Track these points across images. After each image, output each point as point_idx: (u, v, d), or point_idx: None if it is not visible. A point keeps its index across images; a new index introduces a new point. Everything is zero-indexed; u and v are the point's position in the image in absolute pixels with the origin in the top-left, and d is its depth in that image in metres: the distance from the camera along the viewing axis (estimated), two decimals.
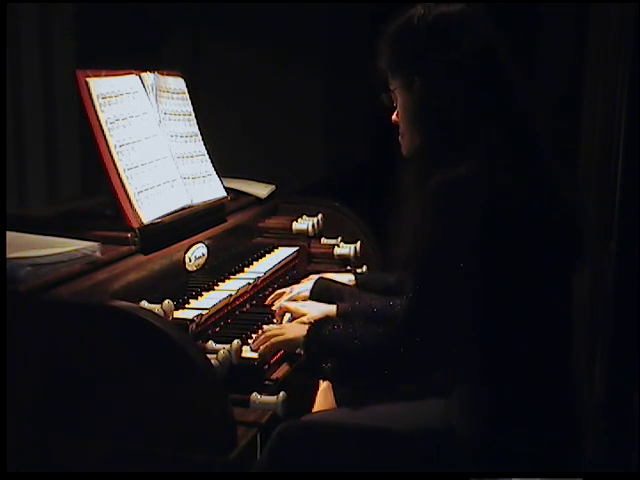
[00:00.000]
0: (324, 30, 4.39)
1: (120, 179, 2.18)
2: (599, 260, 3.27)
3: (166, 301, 2.00)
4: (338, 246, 2.89)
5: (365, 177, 4.47)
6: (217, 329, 2.19)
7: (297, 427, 1.99)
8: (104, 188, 2.26)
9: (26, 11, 3.45)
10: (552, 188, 1.82)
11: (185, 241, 2.35)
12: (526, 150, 1.81)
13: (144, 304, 1.99)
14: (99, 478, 1.73)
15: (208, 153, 2.66)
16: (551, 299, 1.80)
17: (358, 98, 4.09)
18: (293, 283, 2.51)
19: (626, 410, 3.20)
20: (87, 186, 3.65)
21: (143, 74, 2.44)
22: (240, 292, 2.35)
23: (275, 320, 2.28)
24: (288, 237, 2.91)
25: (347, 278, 2.50)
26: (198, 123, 2.66)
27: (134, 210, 2.17)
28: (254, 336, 2.10)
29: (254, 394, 1.78)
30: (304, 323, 2.06)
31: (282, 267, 2.70)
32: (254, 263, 2.65)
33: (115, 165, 2.18)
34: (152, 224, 2.20)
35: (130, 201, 2.17)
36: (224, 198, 2.64)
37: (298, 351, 2.02)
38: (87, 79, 2.20)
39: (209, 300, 2.23)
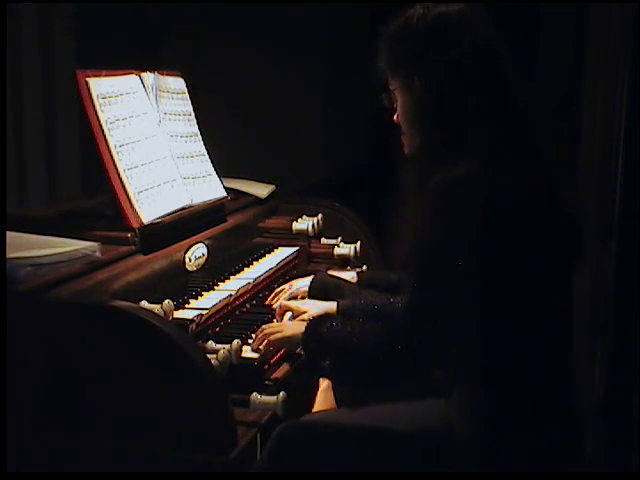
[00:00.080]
0: (324, 30, 4.38)
1: (120, 179, 2.18)
2: (599, 260, 3.27)
3: (166, 301, 2.00)
4: (338, 246, 2.89)
5: (365, 177, 4.47)
6: (217, 329, 2.19)
7: (297, 427, 1.99)
8: (104, 188, 2.26)
9: (26, 11, 3.45)
10: (552, 188, 1.82)
11: (185, 241, 2.35)
12: (526, 150, 1.81)
13: (144, 304, 1.99)
14: (99, 478, 1.73)
15: (208, 153, 2.66)
16: (551, 299, 1.80)
17: (358, 98, 4.08)
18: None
19: (626, 410, 3.20)
20: (87, 186, 3.65)
21: (143, 74, 2.44)
22: (240, 292, 2.35)
23: (276, 319, 2.28)
24: (288, 237, 2.91)
25: (350, 275, 2.51)
26: (198, 123, 2.66)
27: (134, 210, 2.17)
28: (254, 336, 2.10)
29: (254, 394, 1.78)
30: (304, 321, 2.06)
31: (282, 267, 2.70)
32: (254, 263, 2.65)
33: (115, 165, 2.18)
34: (152, 224, 2.20)
35: (130, 201, 2.18)
36: (224, 198, 2.64)
37: (298, 351, 2.02)
38: (87, 79, 2.20)
39: (209, 300, 2.23)
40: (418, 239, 1.77)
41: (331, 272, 2.54)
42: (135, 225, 2.16)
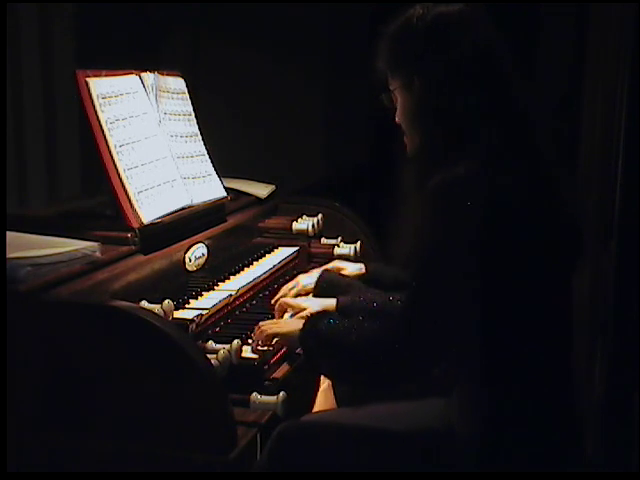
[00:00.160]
0: (324, 30, 4.38)
1: (120, 179, 2.18)
2: (599, 260, 3.27)
3: (166, 301, 2.00)
4: (338, 246, 2.89)
5: (365, 177, 4.47)
6: (217, 329, 2.19)
7: (297, 427, 1.99)
8: (104, 188, 2.26)
9: (26, 11, 3.45)
10: (552, 188, 1.82)
11: (185, 241, 2.35)
12: (526, 150, 1.81)
13: (144, 304, 1.99)
14: (99, 478, 1.73)
15: (208, 153, 2.66)
16: (551, 299, 1.80)
17: (358, 98, 4.09)
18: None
19: (626, 410, 3.20)
20: (87, 186, 3.65)
21: (143, 74, 2.44)
22: (240, 292, 2.35)
23: (275, 316, 2.28)
24: (288, 237, 2.91)
25: (357, 267, 2.51)
26: (198, 123, 2.66)
27: (134, 210, 2.17)
28: (254, 335, 2.10)
29: (254, 394, 1.78)
30: (302, 318, 2.06)
31: (282, 267, 2.70)
32: (254, 263, 2.65)
33: (115, 165, 2.18)
34: (152, 224, 2.20)
35: (130, 201, 2.18)
36: (224, 198, 2.64)
37: (298, 350, 2.02)
38: (87, 79, 2.20)
39: (209, 300, 2.23)
40: (418, 239, 1.77)
41: (338, 264, 2.53)
42: (135, 225, 2.16)
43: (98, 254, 2.00)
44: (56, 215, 2.41)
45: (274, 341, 2.04)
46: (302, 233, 2.90)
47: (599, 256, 3.27)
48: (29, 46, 3.50)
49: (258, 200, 3.00)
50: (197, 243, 2.40)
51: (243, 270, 2.55)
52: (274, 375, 2.00)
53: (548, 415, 1.80)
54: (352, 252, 2.85)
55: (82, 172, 3.73)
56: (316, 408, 2.37)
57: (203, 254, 2.43)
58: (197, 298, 2.25)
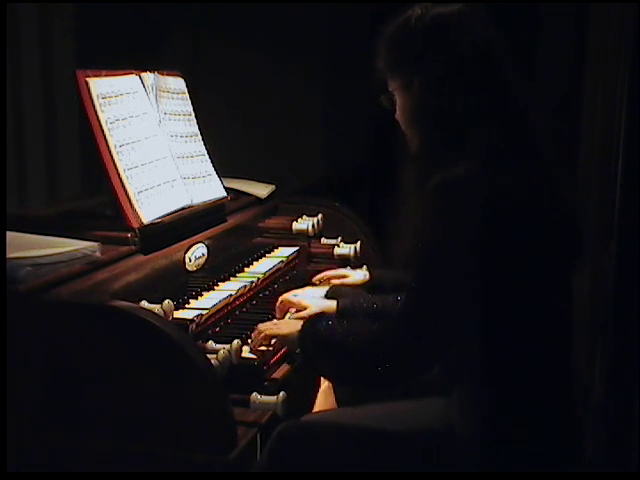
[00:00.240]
0: (324, 30, 4.38)
1: (120, 179, 2.18)
2: (599, 260, 3.27)
3: (166, 301, 2.00)
4: (338, 246, 2.89)
5: (365, 177, 4.47)
6: (217, 329, 2.19)
7: (297, 427, 1.99)
8: (104, 188, 2.26)
9: (26, 11, 3.45)
10: (552, 188, 1.82)
11: (185, 241, 2.35)
12: (526, 150, 1.81)
13: (144, 304, 1.99)
14: (99, 478, 1.73)
15: (208, 153, 2.66)
16: (551, 299, 1.80)
17: (358, 98, 4.08)
18: (293, 283, 2.52)
19: (626, 410, 3.20)
20: (87, 186, 3.65)
21: (143, 74, 2.44)
22: (240, 292, 2.35)
23: (277, 315, 2.28)
24: (288, 237, 2.91)
25: (362, 275, 2.52)
26: (198, 123, 2.66)
27: (134, 210, 2.17)
28: (253, 335, 2.10)
29: (254, 394, 1.78)
30: (302, 318, 2.06)
31: (282, 267, 2.70)
32: (254, 263, 2.65)
33: (115, 165, 2.18)
34: (152, 224, 2.20)
35: (130, 201, 2.18)
36: (224, 198, 2.64)
37: (298, 351, 2.01)
38: (87, 79, 2.20)
39: (209, 300, 2.23)
40: (418, 239, 1.77)
41: (341, 271, 2.54)
42: (135, 225, 2.16)
43: (98, 254, 2.00)
44: (56, 215, 2.41)
45: (273, 342, 2.04)
46: (302, 233, 2.90)
47: (599, 256, 3.27)
48: (29, 46, 3.50)
49: (258, 200, 3.00)
50: (197, 243, 2.40)
51: (243, 270, 2.56)
52: (274, 375, 2.00)
53: (548, 415, 1.80)
54: (352, 252, 2.85)
55: (82, 172, 3.73)
56: (316, 408, 2.37)
57: (203, 254, 2.43)
58: (197, 298, 2.25)
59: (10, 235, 1.96)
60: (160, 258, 2.22)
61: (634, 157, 3.13)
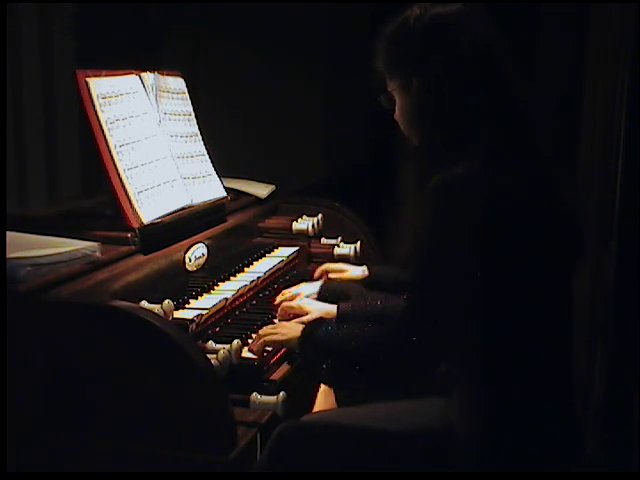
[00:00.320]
0: (324, 30, 4.38)
1: (120, 179, 2.18)
2: (599, 260, 3.27)
3: (166, 301, 2.00)
4: (338, 246, 2.90)
5: (365, 177, 4.47)
6: (217, 329, 2.19)
7: (297, 427, 1.99)
8: (104, 188, 2.26)
9: (26, 11, 3.45)
10: (552, 188, 1.82)
11: (185, 241, 2.35)
12: (526, 150, 1.81)
13: (144, 304, 1.99)
14: (99, 478, 1.73)
15: (208, 153, 2.66)
16: (551, 299, 1.80)
17: (358, 98, 4.08)
18: (293, 283, 2.51)
19: (626, 410, 3.20)
20: (87, 186, 3.65)
21: (143, 74, 2.44)
22: (240, 292, 2.35)
23: (277, 321, 2.27)
24: (288, 237, 2.91)
25: (360, 270, 2.51)
26: (198, 123, 2.66)
27: (134, 210, 2.17)
28: (254, 336, 2.10)
29: (254, 394, 1.78)
30: (303, 323, 2.06)
31: (282, 267, 2.70)
32: (254, 263, 2.65)
33: (115, 165, 2.18)
34: (152, 224, 2.20)
35: (130, 201, 2.18)
36: (224, 198, 2.64)
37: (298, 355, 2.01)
38: (87, 79, 2.20)
39: (209, 300, 2.23)
40: (418, 239, 1.77)
41: (341, 266, 2.53)
42: (135, 225, 2.16)
43: (98, 254, 2.00)
44: (56, 215, 2.41)
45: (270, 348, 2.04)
46: (302, 233, 2.90)
47: (599, 256, 3.27)
48: (29, 46, 3.50)
49: (258, 200, 3.00)
50: (197, 243, 2.40)
51: (243, 270, 2.55)
52: (274, 375, 2.00)
53: (548, 415, 1.80)
54: (352, 252, 2.85)
55: (82, 172, 3.73)
56: (316, 408, 2.37)
57: (203, 254, 2.43)
58: (197, 298, 2.25)
59: (10, 235, 1.96)
60: (160, 258, 2.22)
61: (634, 157, 3.13)
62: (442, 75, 1.78)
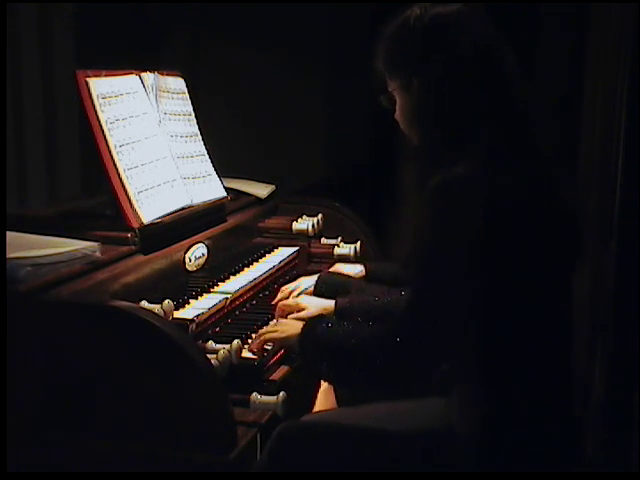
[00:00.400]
0: (324, 30, 4.38)
1: (120, 179, 2.18)
2: (599, 260, 3.27)
3: (166, 301, 2.00)
4: (338, 246, 2.89)
5: (365, 177, 4.47)
6: (217, 329, 2.19)
7: (297, 427, 1.99)
8: (104, 188, 2.26)
9: (26, 11, 3.45)
10: (552, 188, 1.82)
11: (185, 241, 2.35)
12: (526, 150, 1.81)
13: (144, 304, 1.99)
14: (99, 478, 1.73)
15: (208, 153, 2.66)
16: (551, 299, 1.80)
17: (358, 98, 4.09)
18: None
19: (626, 410, 3.20)
20: (87, 186, 3.65)
21: (143, 74, 2.44)
22: (240, 292, 2.35)
23: (275, 320, 2.28)
24: (288, 237, 2.91)
25: (358, 269, 2.51)
26: (198, 123, 2.66)
27: (134, 210, 2.17)
28: (254, 336, 2.10)
29: (254, 394, 1.78)
30: (301, 320, 2.06)
31: (282, 267, 2.70)
32: (254, 263, 2.65)
33: (115, 165, 2.18)
34: (152, 224, 2.20)
35: (130, 201, 2.18)
36: (224, 198, 2.64)
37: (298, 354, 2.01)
38: (87, 79, 2.20)
39: (209, 300, 2.23)
40: (418, 239, 1.77)
41: (338, 266, 2.54)
42: (135, 225, 2.16)
43: (98, 254, 2.00)
44: (56, 215, 2.41)
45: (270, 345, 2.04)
46: (302, 233, 2.90)
47: (599, 256, 3.27)
48: (29, 46, 3.50)
49: (258, 200, 3.00)
50: (197, 243, 2.40)
51: (243, 270, 2.55)
52: (274, 375, 2.00)
53: (548, 415, 1.80)
54: (352, 252, 2.84)
55: (82, 172, 3.73)
56: (316, 408, 2.37)
57: (203, 254, 2.43)
58: (197, 298, 2.25)
59: (10, 235, 1.96)
60: (160, 258, 2.22)
61: (634, 157, 3.13)
62: (442, 75, 1.78)
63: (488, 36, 1.83)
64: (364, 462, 1.90)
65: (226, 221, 2.67)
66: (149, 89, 2.43)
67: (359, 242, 2.91)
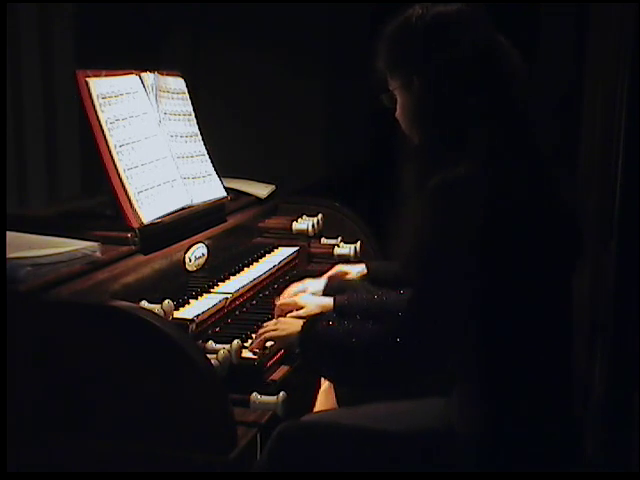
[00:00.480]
0: (324, 30, 4.38)
1: (120, 179, 2.18)
2: (599, 260, 3.27)
3: (166, 301, 2.00)
4: (338, 246, 2.89)
5: (365, 177, 4.47)
6: (217, 329, 2.19)
7: (297, 427, 1.99)
8: (104, 188, 2.26)
9: (26, 11, 3.45)
10: (552, 188, 1.82)
11: (185, 241, 2.35)
12: (526, 150, 1.81)
13: (144, 304, 1.99)
14: (99, 478, 1.73)
15: (208, 153, 2.66)
16: (551, 299, 1.80)
17: (358, 98, 4.09)
18: (293, 282, 2.52)
19: (626, 410, 3.20)
20: (87, 186, 3.65)
21: (143, 74, 2.44)
22: (240, 292, 2.35)
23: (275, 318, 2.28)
24: (288, 237, 2.91)
25: (360, 268, 2.51)
26: (198, 123, 2.66)
27: (134, 210, 2.17)
28: (254, 336, 2.10)
29: (254, 394, 1.78)
30: (301, 318, 2.06)
31: (282, 267, 2.70)
32: (254, 263, 2.65)
33: (115, 165, 2.18)
34: (152, 224, 2.20)
35: (130, 201, 2.18)
36: (224, 198, 2.64)
37: (298, 351, 2.01)
38: (87, 79, 2.20)
39: (209, 300, 2.23)
40: (418, 239, 1.77)
41: (340, 266, 2.54)
42: (135, 225, 2.16)
43: (98, 254, 2.00)
44: (56, 215, 2.41)
45: (270, 344, 2.03)
46: (302, 233, 2.90)
47: (599, 256, 3.27)
48: (29, 46, 3.50)
49: (258, 200, 3.00)
50: (197, 243, 2.40)
51: (243, 270, 2.55)
52: (274, 375, 2.00)
53: (548, 415, 1.80)
54: (352, 252, 2.85)
55: (82, 172, 3.73)
56: (316, 408, 2.37)
57: (203, 254, 2.43)
58: (197, 298, 2.25)
59: (10, 235, 1.96)
60: (160, 258, 2.22)
61: (634, 157, 3.13)
62: (443, 74, 1.78)
63: (489, 36, 1.83)
64: (364, 462, 1.90)
65: (226, 221, 2.67)
66: (149, 89, 2.43)
67: (359, 242, 2.91)
